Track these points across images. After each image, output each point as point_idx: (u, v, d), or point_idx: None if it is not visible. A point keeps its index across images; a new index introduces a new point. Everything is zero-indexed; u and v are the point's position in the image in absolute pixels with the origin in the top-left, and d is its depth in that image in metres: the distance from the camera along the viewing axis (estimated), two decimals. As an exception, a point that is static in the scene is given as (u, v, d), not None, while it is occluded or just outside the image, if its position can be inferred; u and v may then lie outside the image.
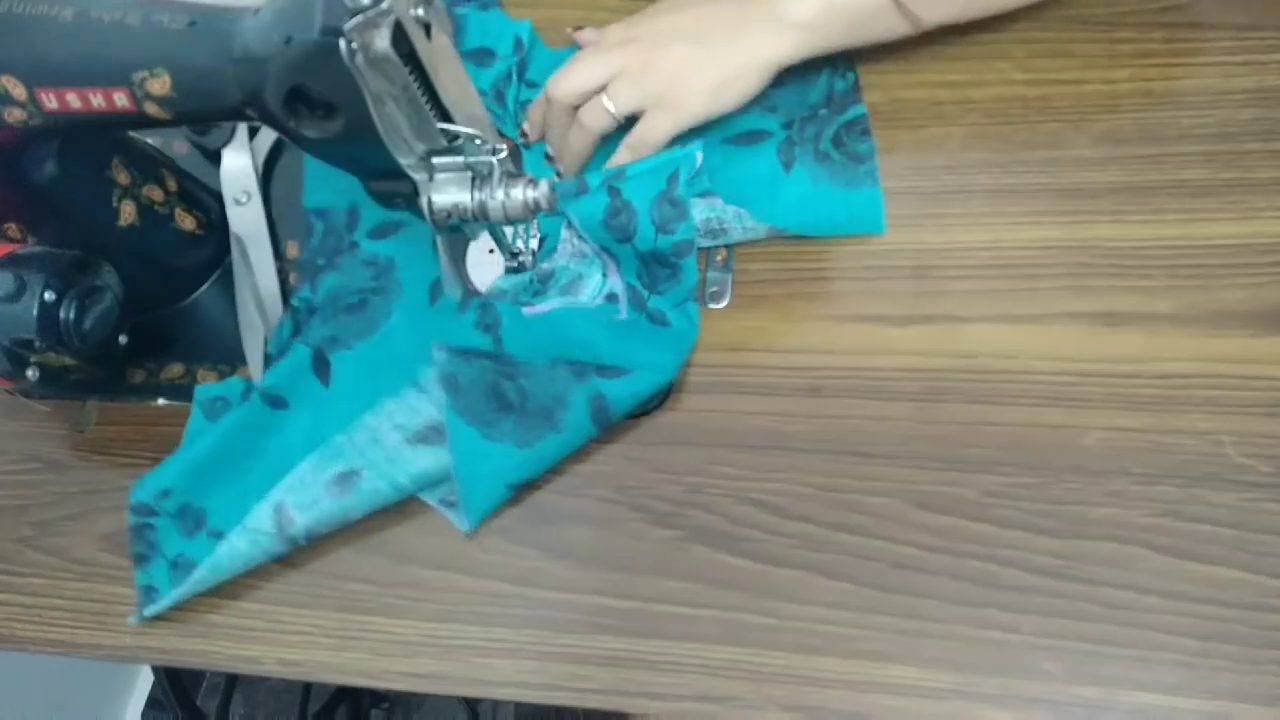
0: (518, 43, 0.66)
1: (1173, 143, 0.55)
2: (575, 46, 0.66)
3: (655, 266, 0.56)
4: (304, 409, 0.59)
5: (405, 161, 0.45)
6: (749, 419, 0.54)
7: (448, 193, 0.47)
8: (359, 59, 0.40)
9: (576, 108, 0.58)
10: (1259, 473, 0.47)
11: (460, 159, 0.46)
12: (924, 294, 0.54)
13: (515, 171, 0.48)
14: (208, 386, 0.61)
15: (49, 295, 0.53)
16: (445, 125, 0.45)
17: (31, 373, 0.55)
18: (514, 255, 0.56)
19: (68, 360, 0.56)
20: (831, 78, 0.60)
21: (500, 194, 0.47)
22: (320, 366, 0.59)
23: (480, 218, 0.48)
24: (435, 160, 0.47)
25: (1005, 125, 0.57)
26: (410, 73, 0.42)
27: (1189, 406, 0.49)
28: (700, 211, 0.56)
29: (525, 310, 0.56)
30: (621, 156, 0.58)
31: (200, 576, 0.54)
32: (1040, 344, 0.52)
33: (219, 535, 0.56)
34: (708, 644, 0.50)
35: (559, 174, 0.62)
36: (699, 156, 0.55)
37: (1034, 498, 0.49)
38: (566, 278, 0.58)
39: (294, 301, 0.62)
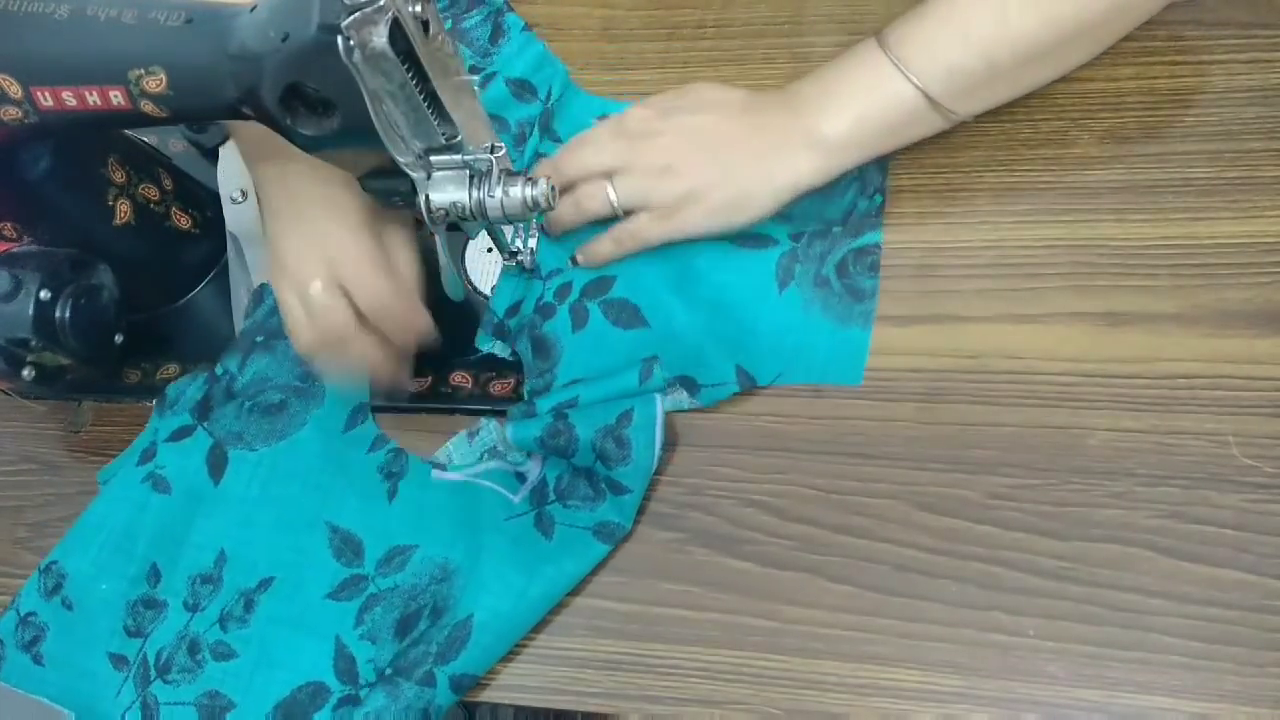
0: (549, 92, 0.64)
1: (1176, 141, 0.54)
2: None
3: (581, 481, 0.52)
4: (185, 502, 0.56)
5: (403, 160, 0.45)
6: (750, 420, 0.53)
7: (446, 191, 0.47)
8: (356, 56, 0.40)
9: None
10: (1264, 474, 0.47)
11: (458, 157, 0.46)
12: (926, 293, 0.54)
13: (513, 170, 0.48)
14: (107, 469, 0.59)
15: (45, 294, 0.53)
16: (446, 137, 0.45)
17: (27, 372, 0.55)
18: (512, 254, 0.56)
19: (63, 360, 0.56)
20: (857, 197, 0.56)
21: (499, 192, 0.47)
22: (216, 462, 0.57)
23: (478, 216, 0.48)
24: (433, 158, 0.46)
25: (1009, 123, 0.57)
26: (408, 70, 0.41)
27: (1194, 407, 0.49)
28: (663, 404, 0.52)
29: (435, 473, 0.55)
30: (604, 247, 0.57)
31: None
32: (1044, 344, 0.51)
33: (69, 607, 0.54)
34: (708, 647, 0.49)
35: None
36: (659, 407, 0.51)
37: (1038, 499, 0.48)
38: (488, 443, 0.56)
39: (217, 369, 0.60)
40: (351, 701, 0.50)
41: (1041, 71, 0.54)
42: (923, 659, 0.47)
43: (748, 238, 0.56)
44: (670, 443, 0.54)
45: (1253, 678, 0.44)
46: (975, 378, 0.51)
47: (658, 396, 0.51)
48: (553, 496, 0.52)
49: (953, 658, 0.47)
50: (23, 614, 0.55)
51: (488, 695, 0.51)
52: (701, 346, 0.54)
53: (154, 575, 0.55)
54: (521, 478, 0.54)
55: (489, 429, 0.55)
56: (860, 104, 0.53)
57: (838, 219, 0.56)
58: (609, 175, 0.56)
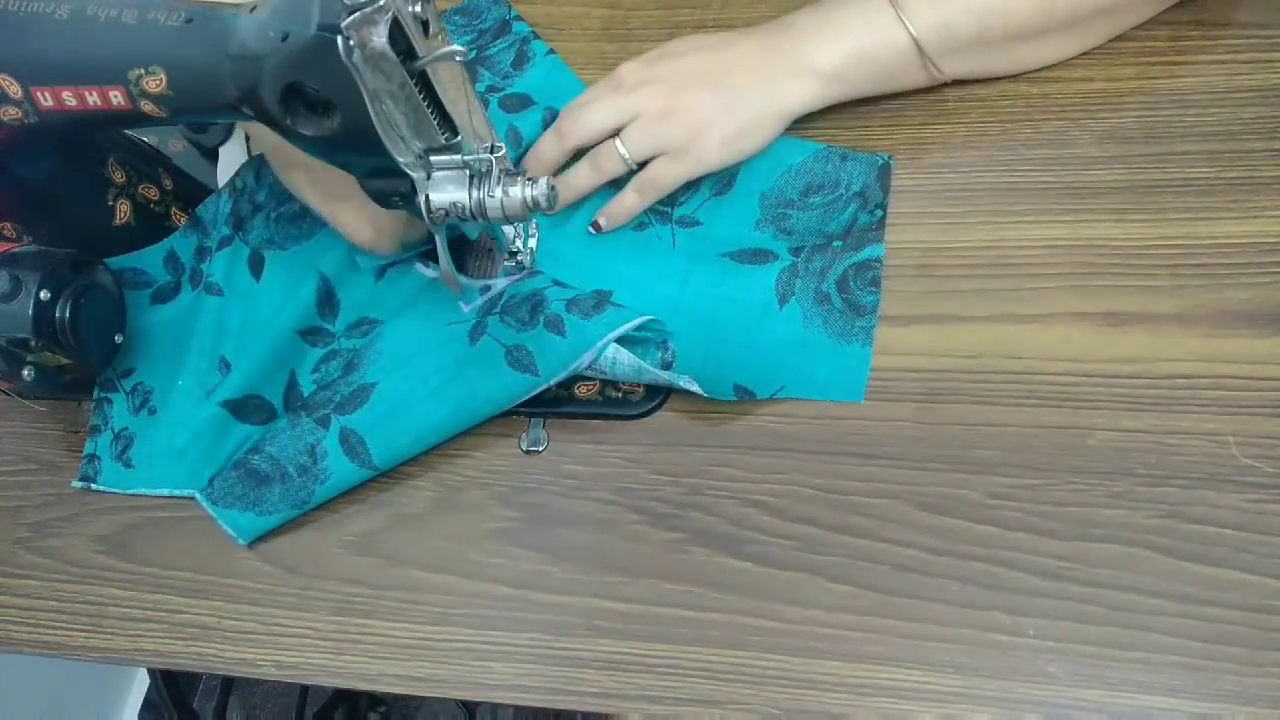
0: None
1: (1177, 141, 0.54)
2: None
3: (526, 304, 0.54)
4: (236, 299, 0.61)
5: (403, 160, 0.45)
6: (750, 420, 0.53)
7: (446, 191, 0.47)
8: (356, 56, 0.40)
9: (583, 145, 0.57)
10: (1264, 474, 0.47)
11: (458, 157, 0.46)
12: (927, 293, 0.54)
13: (513, 170, 0.48)
14: (115, 260, 0.62)
15: (44, 294, 0.53)
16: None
17: (27, 372, 0.55)
18: (512, 254, 0.56)
19: (63, 360, 0.56)
20: (858, 212, 0.56)
21: (499, 192, 0.47)
22: (255, 263, 0.62)
23: (478, 217, 0.48)
24: (433, 158, 0.46)
25: (1009, 123, 0.57)
26: (408, 70, 0.41)
27: (1194, 407, 0.49)
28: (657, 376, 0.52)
29: (418, 266, 0.59)
30: (629, 200, 0.57)
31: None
32: (1044, 344, 0.51)
33: (154, 413, 0.61)
34: (708, 647, 0.49)
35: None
36: (636, 323, 0.52)
37: (1038, 499, 0.48)
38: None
39: (237, 182, 0.64)
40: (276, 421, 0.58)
41: (1030, 54, 0.56)
42: (923, 659, 0.47)
43: (746, 253, 0.56)
44: (671, 442, 0.54)
45: (1253, 678, 0.44)
46: (975, 378, 0.51)
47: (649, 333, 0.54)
48: (498, 309, 0.55)
49: (953, 658, 0.47)
50: (116, 430, 0.61)
51: (488, 695, 0.51)
52: (700, 364, 0.54)
53: (224, 365, 0.60)
54: (487, 289, 0.57)
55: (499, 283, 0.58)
56: (854, 40, 0.54)
57: (838, 232, 0.56)
58: (616, 132, 0.56)
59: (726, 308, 0.55)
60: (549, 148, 0.59)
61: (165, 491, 0.59)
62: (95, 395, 0.62)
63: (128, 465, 0.60)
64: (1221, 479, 0.47)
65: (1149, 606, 0.46)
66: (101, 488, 0.60)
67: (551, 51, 0.66)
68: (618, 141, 0.56)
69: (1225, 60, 0.56)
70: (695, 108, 0.54)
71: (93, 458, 0.61)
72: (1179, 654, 0.45)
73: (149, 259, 0.63)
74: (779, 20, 0.57)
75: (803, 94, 0.55)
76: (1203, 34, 0.57)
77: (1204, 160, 0.53)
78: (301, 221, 0.62)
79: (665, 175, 0.56)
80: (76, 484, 0.61)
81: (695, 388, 0.51)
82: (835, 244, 0.55)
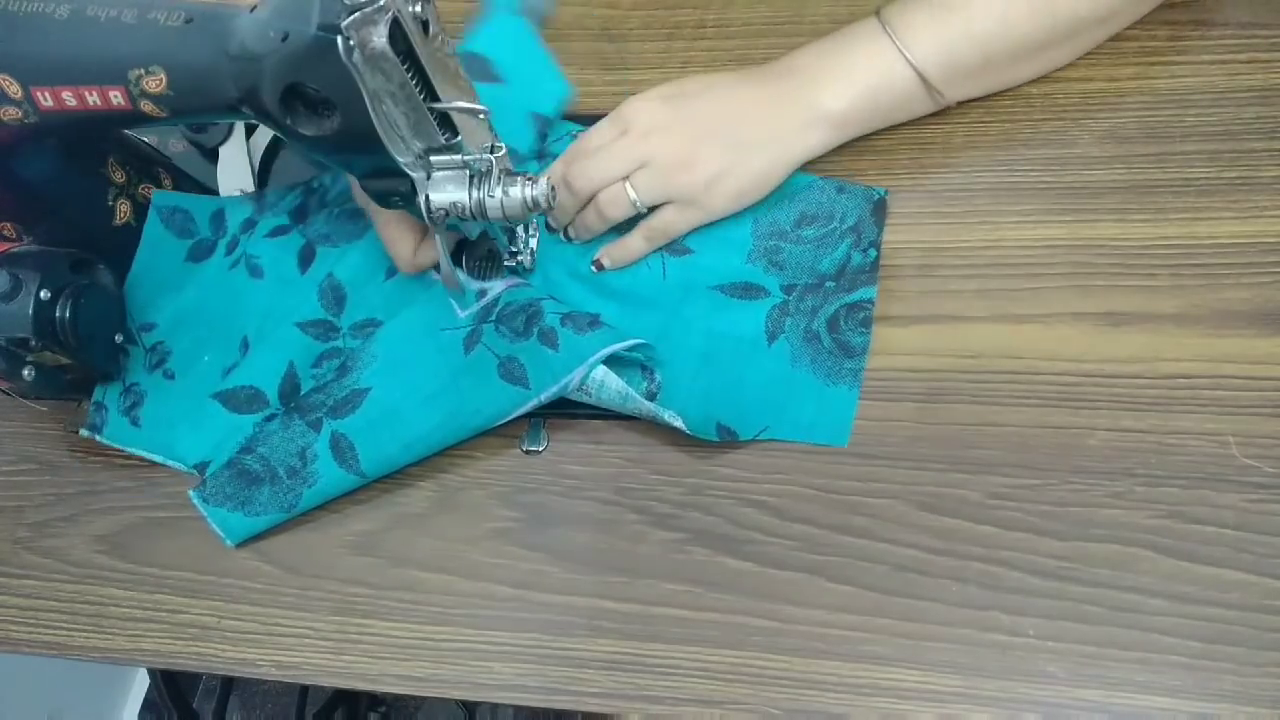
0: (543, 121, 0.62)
1: (1177, 141, 0.54)
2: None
3: (521, 315, 0.54)
4: (277, 285, 0.62)
5: (403, 160, 0.45)
6: (750, 420, 0.53)
7: (446, 191, 0.47)
8: (356, 56, 0.40)
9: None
10: (1264, 474, 0.47)
11: (458, 157, 0.46)
12: (927, 293, 0.54)
13: (513, 170, 0.48)
14: (168, 195, 0.63)
15: (44, 294, 0.53)
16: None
17: (28, 372, 0.55)
18: (513, 254, 0.56)
19: (63, 359, 0.56)
20: (851, 250, 0.55)
21: (499, 192, 0.47)
22: (305, 255, 0.62)
23: (478, 217, 0.48)
24: (433, 158, 0.46)
25: (1009, 123, 0.57)
26: (408, 70, 0.41)
27: (1194, 407, 0.49)
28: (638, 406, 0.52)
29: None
30: (636, 244, 0.57)
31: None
32: (1044, 344, 0.51)
33: (170, 377, 0.61)
34: (708, 647, 0.49)
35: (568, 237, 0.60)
36: (625, 346, 0.52)
37: (1038, 499, 0.48)
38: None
39: (313, 183, 0.65)
40: (271, 420, 0.58)
41: (1030, 68, 0.56)
42: (923, 659, 0.47)
43: (737, 287, 0.56)
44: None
45: (1253, 678, 0.44)
46: (975, 378, 0.51)
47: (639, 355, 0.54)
48: (494, 317, 0.55)
49: (953, 658, 0.47)
50: (127, 384, 0.61)
51: (488, 695, 0.51)
52: (685, 397, 0.54)
53: (244, 346, 0.60)
54: (483, 294, 0.57)
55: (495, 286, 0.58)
56: (861, 80, 0.54)
57: (831, 272, 0.55)
58: (626, 176, 0.55)
59: (715, 342, 0.55)
60: (562, 199, 0.57)
61: (160, 458, 0.59)
62: (116, 340, 0.61)
63: (134, 423, 0.60)
64: (1221, 479, 0.47)
65: (1149, 606, 0.46)
66: (106, 441, 0.60)
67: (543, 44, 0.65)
68: (628, 186, 0.55)
69: (1225, 60, 0.56)
70: (708, 161, 0.54)
71: (100, 406, 0.61)
72: (1179, 654, 0.45)
73: (200, 206, 0.64)
74: (784, 63, 0.56)
75: (814, 143, 0.55)
76: (1203, 34, 0.57)
77: (1204, 160, 0.53)
78: (360, 218, 0.61)
79: (675, 225, 0.56)
80: (84, 432, 0.60)
81: (680, 424, 0.51)
82: (828, 284, 0.55)
